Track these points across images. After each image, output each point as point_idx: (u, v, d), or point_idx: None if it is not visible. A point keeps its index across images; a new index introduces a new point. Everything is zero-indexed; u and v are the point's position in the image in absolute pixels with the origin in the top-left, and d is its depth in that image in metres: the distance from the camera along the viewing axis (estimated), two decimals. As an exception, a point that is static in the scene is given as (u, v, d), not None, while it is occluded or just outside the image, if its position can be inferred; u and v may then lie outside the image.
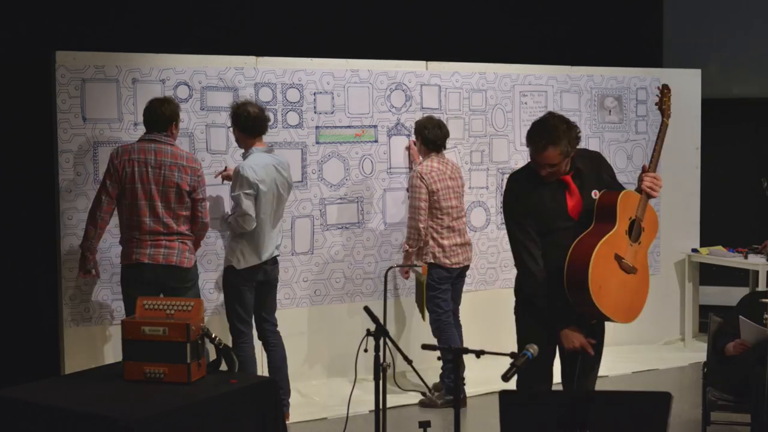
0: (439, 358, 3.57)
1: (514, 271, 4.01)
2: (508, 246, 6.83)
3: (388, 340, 3.78)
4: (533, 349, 3.55)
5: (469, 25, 7.40)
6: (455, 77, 6.63)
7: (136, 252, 5.00)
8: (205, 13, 6.39)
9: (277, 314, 5.63)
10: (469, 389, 5.94)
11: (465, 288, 6.15)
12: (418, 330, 6.20)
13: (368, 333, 3.79)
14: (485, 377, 5.64)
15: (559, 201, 4.04)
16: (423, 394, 5.92)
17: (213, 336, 4.13)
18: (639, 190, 4.07)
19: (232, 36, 6.41)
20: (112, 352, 5.54)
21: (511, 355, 3.61)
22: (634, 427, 3.10)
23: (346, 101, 6.28)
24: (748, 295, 5.34)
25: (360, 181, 6.35)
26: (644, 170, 4.11)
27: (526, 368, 3.40)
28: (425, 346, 3.63)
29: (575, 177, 4.08)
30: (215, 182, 5.75)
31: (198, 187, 5.17)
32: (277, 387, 4.34)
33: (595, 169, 4.16)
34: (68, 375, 4.77)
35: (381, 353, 3.79)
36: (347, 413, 4.48)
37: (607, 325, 4.18)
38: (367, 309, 3.83)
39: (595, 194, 4.08)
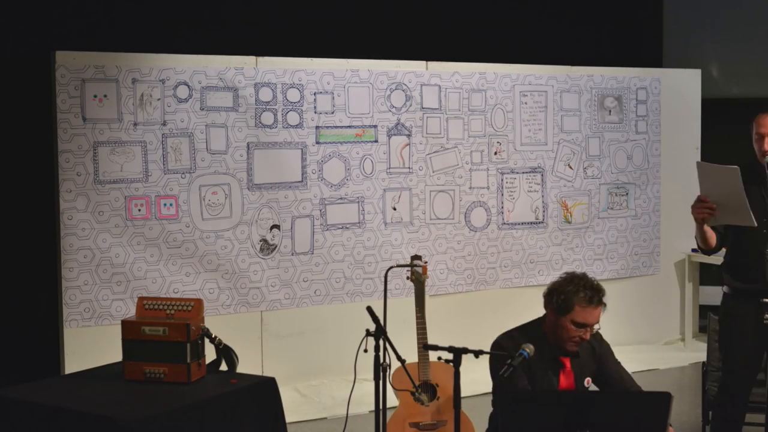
0: (439, 358, 3.57)
1: (515, 271, 4.02)
2: (508, 246, 6.93)
3: (388, 344, 3.78)
4: (529, 348, 3.56)
5: (469, 25, 7.40)
6: (455, 77, 6.63)
7: None
8: (205, 13, 6.39)
9: (277, 314, 5.64)
10: (469, 389, 5.94)
11: (465, 288, 6.16)
12: (418, 330, 6.20)
13: (368, 333, 3.79)
14: (485, 377, 5.63)
15: (548, 384, 3.83)
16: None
17: (213, 336, 4.13)
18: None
19: (232, 36, 6.41)
20: (112, 352, 5.53)
21: (509, 355, 3.61)
22: (634, 427, 3.10)
23: (347, 101, 6.27)
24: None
25: (360, 181, 6.35)
26: None
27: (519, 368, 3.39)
28: (426, 346, 3.63)
29: (574, 360, 3.88)
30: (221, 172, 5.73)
31: None
32: (277, 387, 4.33)
33: (593, 356, 3.95)
34: (68, 375, 4.77)
35: (381, 353, 3.79)
36: (347, 413, 4.47)
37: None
38: (369, 309, 3.83)
39: (588, 382, 3.93)
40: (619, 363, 4.07)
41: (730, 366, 4.41)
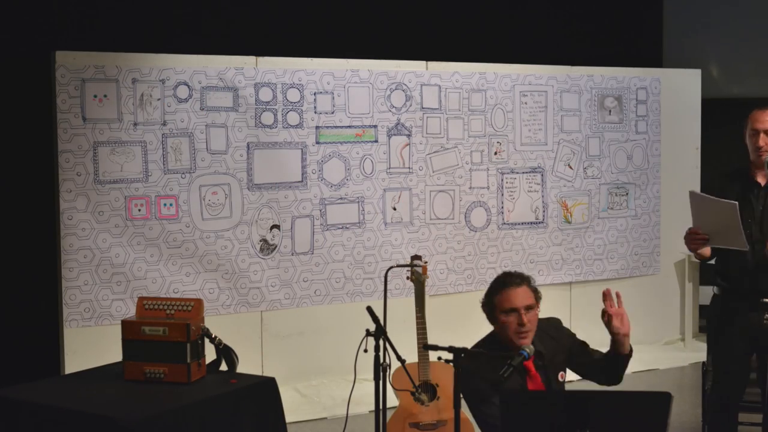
0: (439, 358, 3.57)
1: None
2: (508, 246, 6.93)
3: (388, 343, 3.78)
4: (529, 348, 3.55)
5: (469, 25, 7.40)
6: (455, 77, 6.63)
7: None
8: (205, 13, 6.38)
9: (277, 314, 5.64)
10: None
11: (465, 288, 6.16)
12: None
13: (368, 333, 3.78)
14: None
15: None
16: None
17: (213, 336, 4.13)
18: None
19: (232, 36, 6.41)
20: (112, 352, 5.53)
21: (509, 354, 3.61)
22: (634, 427, 3.09)
23: (347, 101, 6.27)
24: None
25: (360, 181, 6.35)
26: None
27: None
28: (426, 346, 3.63)
29: (537, 361, 3.79)
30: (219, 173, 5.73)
31: None
32: (277, 387, 4.33)
33: (557, 347, 3.89)
34: (68, 375, 4.77)
35: (381, 353, 3.79)
36: (347, 413, 4.47)
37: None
38: (369, 309, 3.83)
39: (562, 376, 3.88)
40: (582, 343, 3.99)
41: (724, 369, 4.41)
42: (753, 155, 4.32)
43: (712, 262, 4.58)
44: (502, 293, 3.80)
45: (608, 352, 3.85)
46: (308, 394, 6.07)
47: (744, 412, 4.62)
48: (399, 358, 3.84)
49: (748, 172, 4.36)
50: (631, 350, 3.83)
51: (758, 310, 4.28)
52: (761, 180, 4.33)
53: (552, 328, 3.97)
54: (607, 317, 3.78)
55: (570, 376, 4.02)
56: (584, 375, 4.02)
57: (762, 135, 4.25)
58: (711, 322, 4.56)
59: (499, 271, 6.71)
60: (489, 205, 6.81)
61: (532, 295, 3.83)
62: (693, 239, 4.23)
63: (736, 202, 4.07)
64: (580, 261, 7.05)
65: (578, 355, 3.95)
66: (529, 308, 3.78)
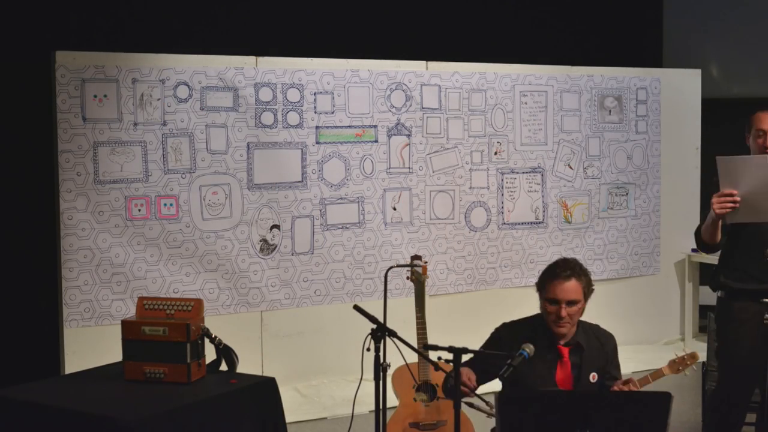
0: (439, 358, 3.57)
1: (515, 271, 4.03)
2: (508, 246, 6.92)
3: (395, 339, 3.75)
4: (529, 348, 3.56)
5: (469, 25, 7.40)
6: (455, 77, 6.63)
7: None
8: (205, 13, 6.39)
9: (277, 314, 5.64)
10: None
11: (465, 288, 6.16)
12: (418, 330, 6.20)
13: (372, 333, 3.76)
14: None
15: (547, 372, 3.80)
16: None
17: (213, 336, 4.12)
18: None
19: (232, 36, 6.41)
20: (112, 352, 5.53)
21: (509, 355, 3.61)
22: (634, 427, 3.09)
23: (347, 101, 6.27)
24: None
25: (360, 181, 6.35)
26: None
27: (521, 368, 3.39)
28: (426, 346, 3.63)
29: (573, 352, 3.85)
30: (218, 181, 5.73)
31: None
32: (277, 387, 4.33)
33: (600, 352, 3.92)
34: (68, 375, 4.76)
35: (381, 353, 3.78)
36: (352, 413, 4.46)
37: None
38: (357, 308, 3.79)
39: (594, 377, 3.87)
40: (617, 366, 4.05)
41: (732, 371, 4.38)
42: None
43: (714, 258, 4.56)
44: (550, 282, 3.82)
45: None
46: (308, 394, 6.07)
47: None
48: (414, 350, 3.80)
49: None
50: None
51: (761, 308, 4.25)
52: None
53: (604, 335, 3.99)
54: None
55: None
56: None
57: None
58: (718, 325, 4.52)
59: (500, 272, 6.80)
60: (489, 205, 6.81)
61: (580, 290, 3.82)
62: (724, 201, 3.99)
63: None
64: (580, 261, 7.04)
65: (606, 376, 3.98)
66: (571, 303, 3.78)
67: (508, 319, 4.29)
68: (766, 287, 4.25)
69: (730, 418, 4.39)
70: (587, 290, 3.85)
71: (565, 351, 3.84)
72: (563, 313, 3.77)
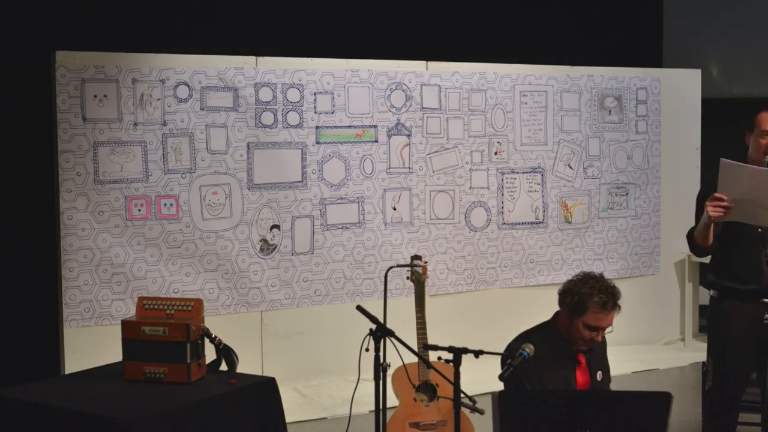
0: (439, 358, 3.57)
1: (515, 271, 4.03)
2: (508, 246, 6.92)
3: (393, 339, 3.76)
4: (529, 348, 3.56)
5: (469, 25, 7.40)
6: (455, 77, 6.63)
7: None
8: (205, 13, 6.39)
9: (277, 314, 5.64)
10: (469, 389, 5.93)
11: (465, 288, 6.15)
12: (418, 330, 6.20)
13: (371, 332, 3.77)
14: (485, 377, 5.63)
15: (568, 381, 3.83)
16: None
17: (213, 336, 4.13)
18: None
19: (232, 36, 6.42)
20: (112, 352, 5.54)
21: (509, 355, 3.61)
22: (634, 427, 3.10)
23: (347, 101, 6.27)
24: None
25: (360, 181, 6.35)
26: None
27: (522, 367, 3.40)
28: (426, 346, 3.63)
29: (587, 356, 3.88)
30: (219, 180, 5.74)
31: None
32: (277, 387, 4.33)
33: (600, 350, 3.97)
34: (68, 375, 4.77)
35: (381, 353, 3.78)
36: (350, 413, 4.47)
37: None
38: (359, 308, 3.80)
39: (600, 376, 3.92)
40: (606, 360, 4.08)
41: (724, 371, 4.39)
42: (755, 155, 4.31)
43: (705, 261, 4.56)
44: (599, 314, 3.76)
45: None
46: (308, 394, 6.07)
47: (744, 412, 4.61)
48: (413, 351, 3.80)
49: None
50: None
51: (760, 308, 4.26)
52: None
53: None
54: None
55: None
56: None
57: None
58: (711, 324, 4.53)
59: (500, 272, 6.79)
60: (489, 205, 6.81)
61: (615, 315, 3.82)
62: (717, 206, 4.05)
63: None
64: (580, 261, 7.05)
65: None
66: (606, 328, 3.81)
67: (507, 319, 4.31)
68: (756, 287, 4.25)
69: (722, 418, 4.39)
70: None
71: (581, 357, 3.86)
72: (599, 338, 3.79)
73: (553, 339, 3.80)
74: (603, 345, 4.03)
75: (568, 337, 3.85)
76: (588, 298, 3.75)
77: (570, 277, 3.97)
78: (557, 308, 4.04)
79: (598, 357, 3.97)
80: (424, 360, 3.87)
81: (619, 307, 3.83)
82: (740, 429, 4.77)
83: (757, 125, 4.31)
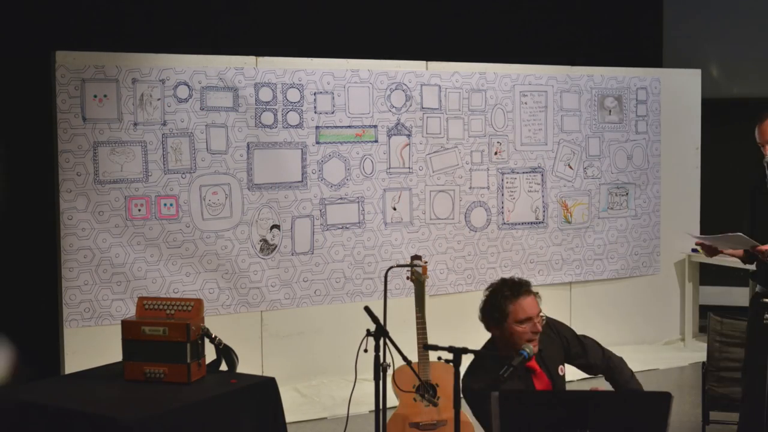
0: (439, 358, 3.57)
1: (515, 271, 4.04)
2: (508, 246, 6.92)
3: (388, 341, 3.77)
4: (529, 348, 3.56)
5: (469, 25, 7.40)
6: (455, 77, 6.63)
7: None
8: (205, 13, 6.39)
9: (277, 314, 5.64)
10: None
11: (465, 288, 6.14)
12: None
13: (368, 333, 3.78)
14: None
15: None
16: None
17: (213, 336, 4.13)
18: None
19: (232, 36, 6.41)
20: (112, 352, 5.54)
21: (509, 355, 3.61)
22: (634, 427, 3.09)
23: (347, 101, 6.27)
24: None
25: (360, 181, 6.35)
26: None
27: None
28: (426, 346, 3.63)
29: (538, 359, 3.83)
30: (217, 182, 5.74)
31: None
32: (277, 387, 4.33)
33: (555, 342, 3.93)
34: (68, 375, 4.77)
35: (381, 353, 3.79)
36: (347, 413, 4.48)
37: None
38: (367, 309, 3.83)
39: (561, 370, 3.91)
40: (604, 351, 4.05)
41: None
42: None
43: (717, 261, 4.65)
44: (516, 304, 3.78)
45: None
46: (308, 394, 6.07)
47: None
48: (404, 357, 3.82)
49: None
50: None
51: None
52: None
53: (554, 323, 4.00)
54: None
55: (574, 373, 4.05)
56: (587, 372, 4.09)
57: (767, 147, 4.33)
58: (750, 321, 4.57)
59: (500, 272, 6.79)
60: (489, 205, 6.81)
61: (537, 300, 3.84)
62: (708, 252, 4.48)
63: (740, 233, 4.24)
64: (580, 261, 7.05)
65: (576, 357, 3.99)
66: (538, 314, 3.80)
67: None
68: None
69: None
70: (539, 298, 3.87)
71: (533, 364, 3.82)
72: (539, 326, 3.76)
73: (498, 362, 3.73)
74: (558, 339, 3.96)
75: (511, 349, 3.77)
76: (501, 300, 3.79)
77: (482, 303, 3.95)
78: (557, 308, 4.06)
79: (552, 353, 3.89)
80: (408, 362, 3.86)
81: (536, 293, 3.84)
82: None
83: (756, 134, 4.41)
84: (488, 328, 3.90)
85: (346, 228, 6.33)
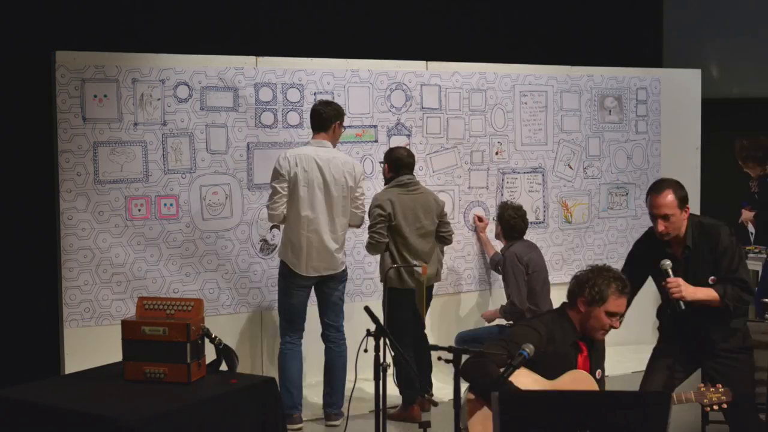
0: (439, 358, 3.57)
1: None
2: (508, 246, 6.91)
3: (388, 341, 3.77)
4: (529, 348, 3.56)
5: (469, 25, 7.40)
6: (455, 77, 6.63)
7: None
8: (205, 13, 6.39)
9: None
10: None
11: (465, 288, 6.13)
12: (418, 330, 6.20)
13: (368, 333, 3.78)
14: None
15: (569, 359, 3.94)
16: (422, 395, 5.91)
17: (213, 336, 4.13)
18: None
19: (232, 36, 6.41)
20: (112, 352, 5.54)
21: (509, 355, 3.61)
22: (634, 427, 3.09)
23: (347, 101, 6.27)
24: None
25: (360, 181, 6.34)
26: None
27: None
28: (429, 347, 3.63)
29: (591, 347, 3.99)
30: (218, 181, 5.73)
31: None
32: (277, 387, 4.33)
33: (600, 349, 4.09)
34: (68, 375, 4.77)
35: (381, 353, 3.79)
36: (347, 413, 4.48)
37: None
38: (367, 309, 3.82)
39: (599, 374, 4.01)
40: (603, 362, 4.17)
41: None
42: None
43: None
44: (618, 298, 3.95)
45: None
46: (308, 394, 6.06)
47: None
48: (404, 357, 3.82)
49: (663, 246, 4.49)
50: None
51: None
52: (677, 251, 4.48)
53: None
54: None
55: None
56: None
57: (659, 221, 4.45)
58: None
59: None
60: (488, 205, 6.80)
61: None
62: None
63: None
64: (580, 261, 7.05)
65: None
66: (623, 315, 3.99)
67: (504, 321, 4.30)
68: None
69: None
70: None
71: (584, 346, 3.96)
72: (618, 325, 3.95)
73: (563, 324, 3.94)
74: (603, 347, 4.10)
75: (583, 328, 3.95)
76: (606, 287, 3.92)
77: (577, 272, 4.08)
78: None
79: (598, 357, 4.03)
80: (407, 361, 3.86)
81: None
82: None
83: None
84: (575, 300, 3.98)
85: (346, 228, 6.32)
